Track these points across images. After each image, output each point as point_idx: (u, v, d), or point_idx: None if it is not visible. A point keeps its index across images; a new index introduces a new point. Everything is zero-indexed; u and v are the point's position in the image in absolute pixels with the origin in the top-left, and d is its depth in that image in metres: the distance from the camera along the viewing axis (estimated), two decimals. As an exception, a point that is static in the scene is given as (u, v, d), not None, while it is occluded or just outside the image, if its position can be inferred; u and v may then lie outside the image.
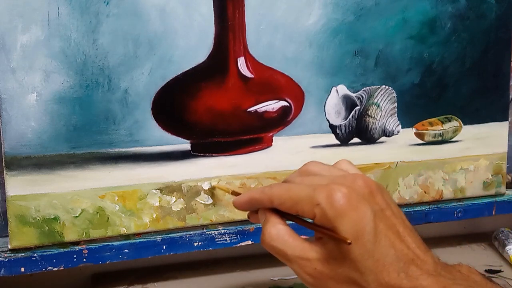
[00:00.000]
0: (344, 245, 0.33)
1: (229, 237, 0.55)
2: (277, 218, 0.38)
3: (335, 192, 0.34)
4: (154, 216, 0.53)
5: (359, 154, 0.59)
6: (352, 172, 0.39)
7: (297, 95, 0.56)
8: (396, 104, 0.60)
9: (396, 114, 0.60)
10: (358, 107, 0.59)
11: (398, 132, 0.60)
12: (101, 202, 0.51)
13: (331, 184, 0.35)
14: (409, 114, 0.60)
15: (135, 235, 0.53)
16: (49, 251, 0.51)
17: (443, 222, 0.63)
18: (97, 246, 0.52)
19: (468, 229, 0.73)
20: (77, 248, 0.51)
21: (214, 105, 0.53)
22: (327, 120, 0.58)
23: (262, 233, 0.38)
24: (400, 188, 0.61)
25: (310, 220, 0.36)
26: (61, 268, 0.51)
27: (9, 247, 0.50)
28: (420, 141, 0.61)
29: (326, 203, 0.34)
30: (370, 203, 0.34)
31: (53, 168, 0.50)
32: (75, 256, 0.51)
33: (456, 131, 0.62)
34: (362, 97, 0.59)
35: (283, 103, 0.55)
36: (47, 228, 0.50)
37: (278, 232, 0.37)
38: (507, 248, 0.63)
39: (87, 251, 0.51)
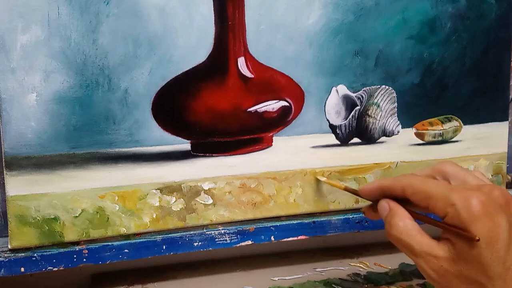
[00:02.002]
0: (475, 249, 0.35)
1: (229, 237, 0.55)
2: (404, 212, 0.39)
3: (473, 198, 0.35)
4: (154, 216, 0.53)
5: (359, 154, 0.59)
6: (488, 182, 0.40)
7: (297, 95, 0.56)
8: (396, 104, 0.60)
9: (396, 114, 0.60)
10: (358, 107, 0.59)
11: (398, 132, 0.60)
12: (101, 202, 0.51)
13: (469, 189, 0.36)
14: (409, 114, 0.60)
15: (135, 235, 0.53)
16: (49, 251, 0.51)
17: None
18: (97, 246, 0.52)
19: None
20: (77, 248, 0.51)
21: (214, 105, 0.53)
22: (327, 120, 0.58)
23: (388, 225, 0.39)
24: (400, 188, 0.61)
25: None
26: (61, 268, 0.51)
27: (9, 247, 0.50)
28: (420, 141, 0.62)
29: (462, 205, 0.35)
30: (506, 214, 0.36)
31: (53, 168, 0.50)
32: (75, 256, 0.51)
33: (456, 131, 0.62)
34: (362, 97, 0.59)
35: (283, 103, 0.55)
36: (47, 228, 0.50)
37: (405, 226, 0.38)
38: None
39: (87, 251, 0.51)
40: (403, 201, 0.40)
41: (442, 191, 0.37)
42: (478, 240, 0.34)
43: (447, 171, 0.41)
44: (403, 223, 0.38)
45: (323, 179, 0.57)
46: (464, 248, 0.36)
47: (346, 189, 0.50)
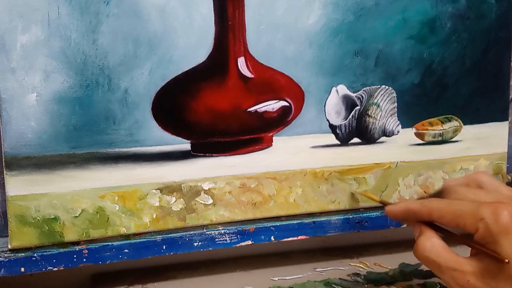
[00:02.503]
0: (505, 265, 0.35)
1: (229, 237, 0.55)
2: (432, 231, 0.40)
3: (502, 210, 0.36)
4: (154, 216, 0.53)
5: (359, 154, 0.59)
6: None
7: (297, 95, 0.56)
8: (396, 104, 0.60)
9: (396, 114, 0.60)
10: (358, 107, 0.59)
11: (398, 132, 0.60)
12: (101, 202, 0.51)
13: (497, 202, 0.37)
14: (409, 114, 0.60)
15: (135, 235, 0.53)
16: (49, 251, 0.51)
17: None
18: (97, 246, 0.52)
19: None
20: (77, 248, 0.51)
21: (214, 105, 0.53)
22: (327, 120, 0.58)
23: (416, 245, 0.40)
24: (400, 188, 0.61)
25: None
26: (61, 268, 0.51)
27: (9, 247, 0.50)
28: (420, 141, 0.62)
29: (491, 218, 0.36)
30: None
31: (53, 168, 0.50)
32: (75, 256, 0.51)
33: (456, 131, 0.62)
34: (362, 97, 0.59)
35: (283, 103, 0.55)
36: (47, 228, 0.50)
37: (432, 244, 0.39)
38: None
39: (87, 251, 0.51)
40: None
41: (470, 207, 0.38)
42: (508, 262, 0.35)
43: (482, 180, 0.42)
44: (430, 242, 0.39)
45: (360, 192, 0.58)
46: (491, 263, 0.36)
47: (382, 202, 0.52)
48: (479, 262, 0.37)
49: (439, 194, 0.43)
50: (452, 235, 0.41)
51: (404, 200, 0.45)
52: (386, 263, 0.62)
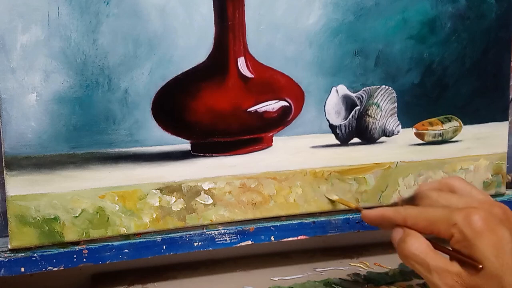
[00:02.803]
0: (485, 263, 0.36)
1: (229, 237, 0.55)
2: (418, 233, 0.40)
3: (473, 215, 0.37)
4: (154, 216, 0.53)
5: (359, 154, 0.59)
6: (491, 199, 0.41)
7: (297, 95, 0.56)
8: (396, 104, 0.60)
9: (396, 114, 0.60)
10: (358, 107, 0.59)
11: (398, 132, 0.60)
12: (101, 202, 0.51)
13: (469, 207, 0.38)
14: (409, 114, 0.60)
15: (135, 235, 0.53)
16: (49, 251, 0.51)
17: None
18: (97, 246, 0.52)
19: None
20: (77, 248, 0.51)
21: (214, 105, 0.53)
22: (327, 120, 0.58)
23: (403, 243, 0.40)
24: (400, 188, 0.61)
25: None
26: (61, 268, 0.51)
27: (9, 247, 0.50)
28: (420, 141, 0.62)
29: (463, 223, 0.37)
30: (507, 227, 0.37)
31: (53, 168, 0.50)
32: (75, 256, 0.51)
33: (456, 131, 0.62)
34: (362, 97, 0.59)
35: (283, 103, 0.55)
36: (47, 228, 0.50)
37: (420, 244, 0.39)
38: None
39: (87, 251, 0.51)
40: None
41: (442, 214, 0.38)
42: (481, 268, 0.36)
43: (454, 185, 0.43)
44: (418, 242, 0.40)
45: (335, 197, 0.58)
46: (472, 269, 0.37)
47: (358, 209, 0.52)
48: (462, 265, 0.38)
49: (412, 199, 0.43)
50: (432, 243, 0.41)
51: (380, 207, 0.45)
52: (386, 263, 0.62)
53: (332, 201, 0.58)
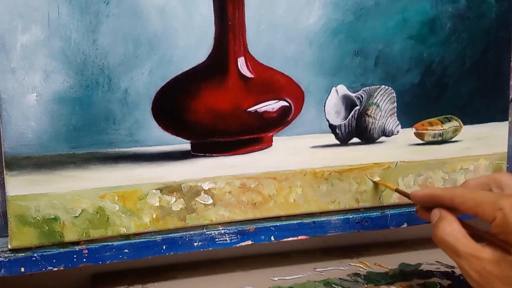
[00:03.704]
0: None
1: (229, 237, 0.55)
2: (453, 217, 0.42)
3: None
4: (154, 216, 0.53)
5: (359, 154, 0.59)
6: None
7: (297, 95, 0.56)
8: (395, 104, 0.60)
9: (395, 114, 0.60)
10: (358, 107, 0.59)
11: (397, 132, 0.60)
12: (101, 202, 0.51)
13: None
14: (409, 114, 0.61)
15: (135, 235, 0.53)
16: (49, 251, 0.51)
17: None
18: (97, 246, 0.52)
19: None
20: (77, 248, 0.51)
21: (214, 105, 0.53)
22: (327, 120, 0.58)
23: (435, 228, 0.42)
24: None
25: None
26: (61, 268, 0.51)
27: (9, 247, 0.50)
28: (420, 141, 0.62)
29: (509, 209, 0.38)
30: None
31: (53, 168, 0.50)
32: (75, 256, 0.51)
33: (456, 131, 0.62)
34: (362, 97, 0.59)
35: (283, 103, 0.55)
36: (47, 228, 0.50)
37: (452, 229, 0.41)
38: (507, 248, 0.63)
39: (87, 251, 0.51)
40: (453, 212, 0.43)
41: (490, 197, 0.40)
42: None
43: (502, 180, 0.44)
44: (450, 227, 0.41)
45: (376, 179, 0.59)
46: (509, 254, 0.38)
47: (397, 191, 0.55)
48: (495, 251, 0.39)
49: None
50: (467, 226, 0.42)
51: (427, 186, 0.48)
52: (386, 263, 0.62)
53: (374, 182, 0.59)
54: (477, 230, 0.42)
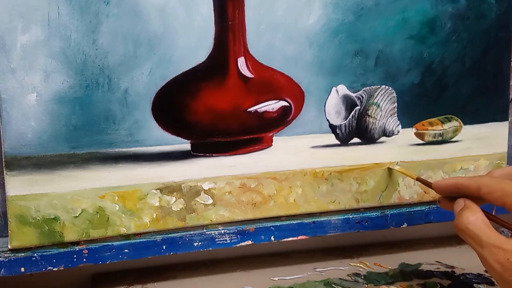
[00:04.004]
0: None
1: (229, 237, 0.55)
2: (477, 207, 0.41)
3: None
4: (154, 216, 0.53)
5: (359, 154, 0.59)
6: None
7: (297, 95, 0.56)
8: (396, 104, 0.60)
9: (396, 114, 0.60)
10: (358, 107, 0.59)
11: (398, 132, 0.60)
12: (101, 202, 0.51)
13: None
14: (409, 114, 0.60)
15: (135, 235, 0.53)
16: (49, 251, 0.51)
17: (443, 222, 0.63)
18: (97, 246, 0.52)
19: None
20: (77, 248, 0.51)
21: (214, 105, 0.53)
22: (327, 120, 0.58)
23: (458, 216, 0.41)
24: (400, 188, 0.61)
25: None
26: (61, 268, 0.51)
27: (9, 247, 0.50)
28: (420, 141, 0.61)
29: None
30: None
31: (53, 168, 0.50)
32: (75, 256, 0.51)
33: (456, 131, 0.62)
34: (362, 97, 0.59)
35: (283, 103, 0.55)
36: (47, 228, 0.50)
37: (477, 218, 0.40)
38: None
39: (87, 251, 0.51)
40: (477, 202, 0.43)
41: None
42: None
43: None
44: (474, 216, 0.40)
45: (397, 167, 0.58)
46: None
47: (419, 179, 0.53)
48: None
49: None
50: (493, 218, 0.42)
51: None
52: (386, 263, 0.62)
53: (390, 170, 0.59)
54: (501, 221, 0.41)
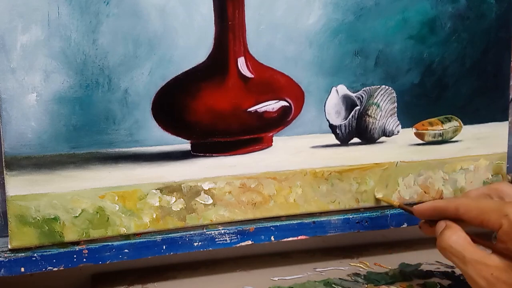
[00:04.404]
0: None
1: (229, 237, 0.55)
2: (458, 226, 0.42)
3: None
4: (154, 216, 0.53)
5: (359, 154, 0.59)
6: None
7: (297, 95, 0.56)
8: (396, 104, 0.60)
9: (396, 114, 0.60)
10: (358, 107, 0.59)
11: (398, 132, 0.60)
12: (101, 202, 0.51)
13: None
14: (409, 114, 0.60)
15: (135, 235, 0.53)
16: (49, 251, 0.51)
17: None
18: (97, 246, 0.52)
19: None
20: (77, 248, 0.51)
21: (214, 105, 0.53)
22: (327, 120, 0.58)
23: (441, 236, 0.42)
24: (400, 188, 0.61)
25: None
26: (61, 268, 0.51)
27: (9, 247, 0.50)
28: (420, 141, 0.62)
29: None
30: None
31: (53, 168, 0.50)
32: (75, 256, 0.51)
33: (456, 131, 0.62)
34: (362, 97, 0.59)
35: (283, 103, 0.55)
36: (47, 228, 0.50)
37: (458, 237, 0.41)
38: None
39: (87, 251, 0.51)
40: (457, 223, 0.43)
41: (495, 205, 0.40)
42: None
43: (503, 190, 0.45)
44: (456, 235, 0.41)
45: (379, 195, 0.59)
46: None
47: (400, 207, 0.55)
48: (502, 258, 0.39)
49: None
50: (473, 238, 0.42)
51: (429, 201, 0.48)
52: (386, 263, 0.62)
53: (376, 199, 0.60)
54: (480, 241, 0.41)
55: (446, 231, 0.42)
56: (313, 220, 0.58)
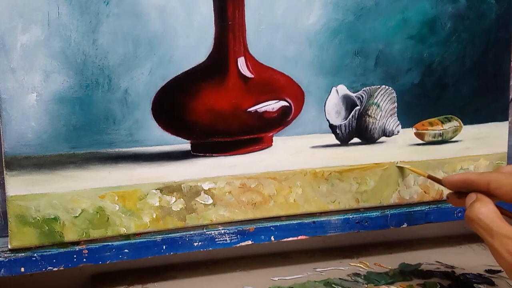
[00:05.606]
0: None
1: (229, 237, 0.55)
2: (489, 199, 0.42)
3: None
4: (154, 216, 0.53)
5: (359, 154, 0.59)
6: None
7: (297, 95, 0.56)
8: (396, 104, 0.60)
9: (396, 114, 0.60)
10: (358, 107, 0.59)
11: (398, 132, 0.60)
12: (101, 202, 0.51)
13: None
14: (409, 114, 0.60)
15: (135, 235, 0.53)
16: (49, 251, 0.51)
17: (443, 222, 0.63)
18: (97, 246, 0.52)
19: (468, 229, 0.72)
20: (77, 248, 0.51)
21: (214, 105, 0.53)
22: (327, 120, 0.58)
23: (471, 207, 0.42)
24: (400, 188, 0.61)
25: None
26: (61, 268, 0.51)
27: (9, 247, 0.50)
28: (420, 141, 0.61)
29: None
30: None
31: (53, 168, 0.50)
32: (75, 256, 0.51)
33: (456, 131, 0.62)
34: (362, 97, 0.59)
35: (283, 103, 0.55)
36: (47, 228, 0.50)
37: (488, 210, 0.41)
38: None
39: (87, 251, 0.51)
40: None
41: None
42: None
43: None
44: (486, 208, 0.41)
45: (406, 166, 0.59)
46: None
47: (429, 177, 0.54)
48: None
49: None
50: (504, 211, 0.42)
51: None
52: (386, 263, 0.62)
53: (401, 168, 0.59)
54: (510, 214, 0.42)
55: (476, 203, 0.42)
56: (313, 220, 0.58)
